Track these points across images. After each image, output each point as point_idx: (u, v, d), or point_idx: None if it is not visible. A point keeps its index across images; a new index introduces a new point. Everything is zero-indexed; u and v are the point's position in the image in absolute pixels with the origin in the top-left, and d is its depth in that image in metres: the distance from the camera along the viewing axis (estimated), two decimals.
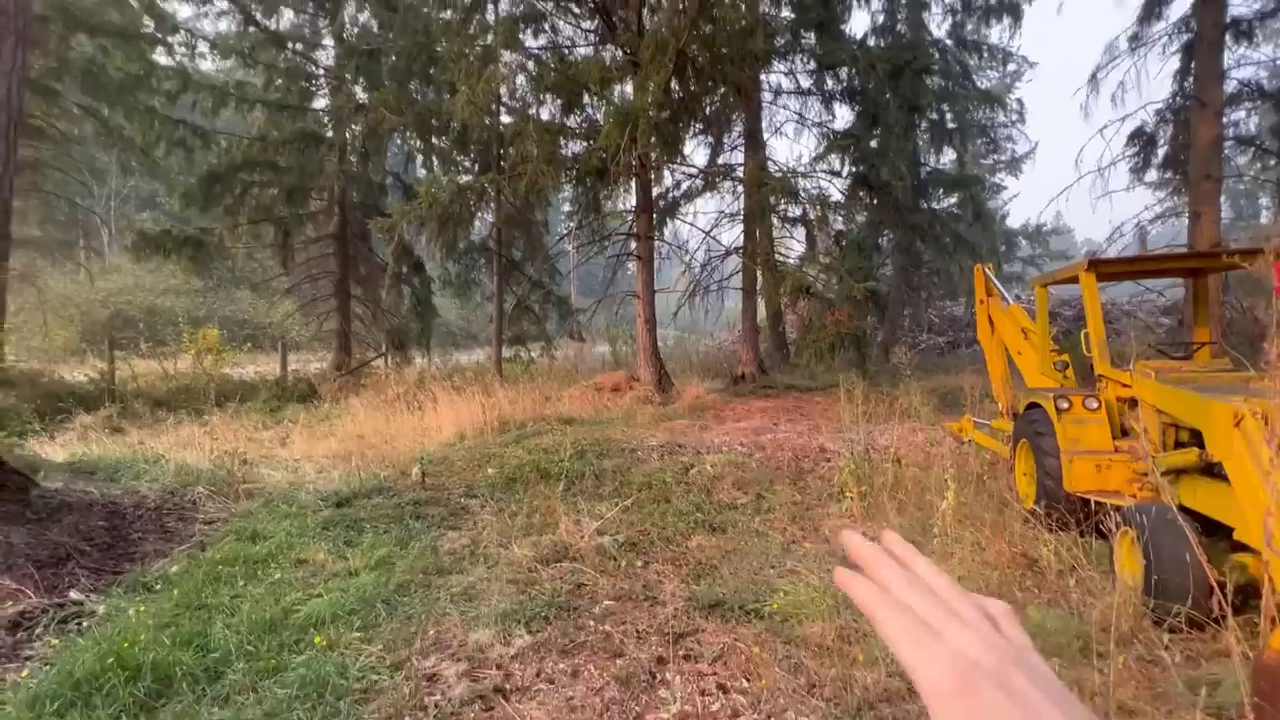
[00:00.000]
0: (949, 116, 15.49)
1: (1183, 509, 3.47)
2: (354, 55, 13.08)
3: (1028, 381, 5.37)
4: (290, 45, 14.10)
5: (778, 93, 12.35)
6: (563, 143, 10.94)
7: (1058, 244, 26.13)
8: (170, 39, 13.05)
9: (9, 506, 3.95)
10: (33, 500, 4.17)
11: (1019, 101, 17.37)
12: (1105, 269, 4.40)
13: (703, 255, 13.53)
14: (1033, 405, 4.56)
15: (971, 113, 16.55)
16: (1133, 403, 3.92)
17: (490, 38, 11.06)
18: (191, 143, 13.02)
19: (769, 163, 11.87)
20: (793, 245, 13.39)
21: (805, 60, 11.62)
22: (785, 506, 4.63)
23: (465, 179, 12.52)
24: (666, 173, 12.59)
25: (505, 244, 13.92)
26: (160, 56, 13.09)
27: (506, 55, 10.87)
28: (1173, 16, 11.04)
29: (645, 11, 10.59)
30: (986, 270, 6.38)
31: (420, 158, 15.19)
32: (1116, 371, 4.08)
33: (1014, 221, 22.95)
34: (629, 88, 10.57)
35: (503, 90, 11.50)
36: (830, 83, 11.47)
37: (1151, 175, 12.26)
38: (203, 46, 13.54)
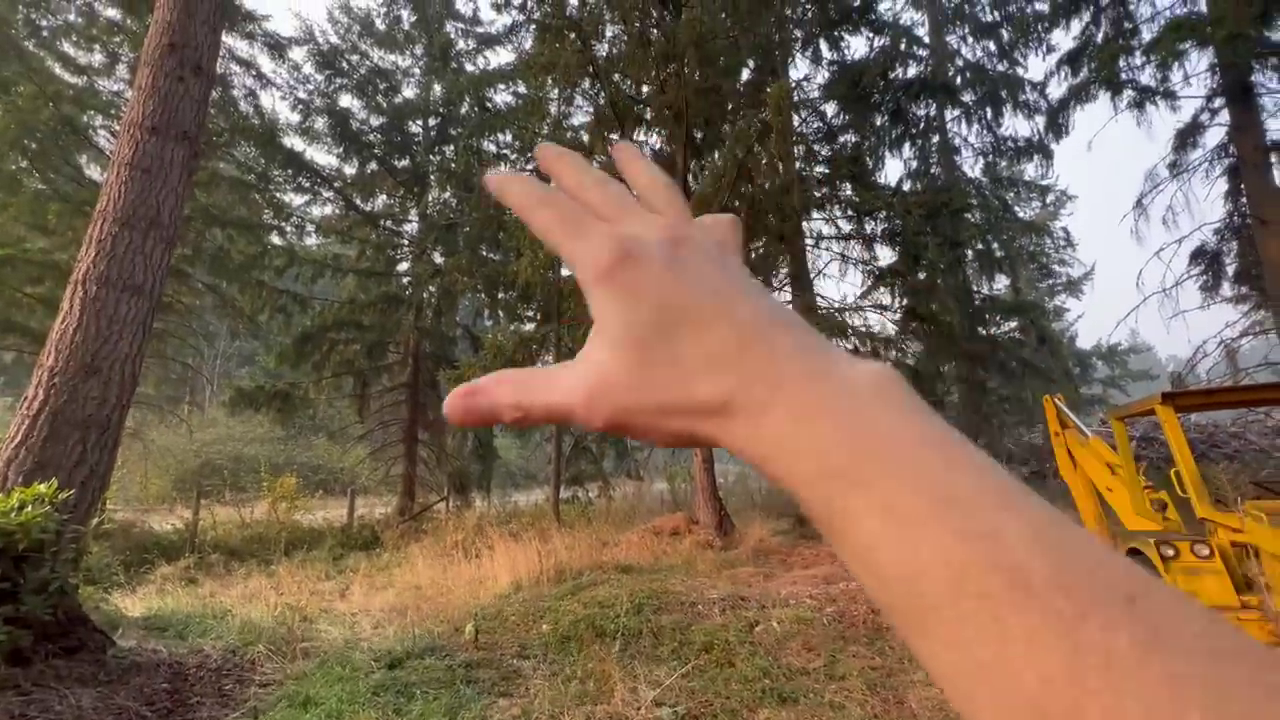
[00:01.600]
0: (996, 246, 15.75)
1: None
2: (434, 228, 14.84)
3: (1124, 523, 4.89)
4: (382, 223, 16.22)
5: (819, 238, 13.02)
6: None
7: (1138, 363, 24.87)
8: (284, 224, 15.30)
9: (85, 668, 4.07)
10: (107, 661, 4.28)
11: (1064, 229, 17.57)
12: (1182, 402, 4.15)
13: None
14: (1134, 550, 4.12)
15: (1017, 241, 16.79)
16: (1247, 548, 3.49)
17: None
18: (291, 308, 14.70)
19: (818, 299, 12.22)
20: None
21: (843, 208, 12.34)
22: (862, 672, 4.18)
23: (528, 329, 13.42)
24: None
25: None
26: (273, 237, 15.29)
27: None
28: (1209, 144, 11.30)
29: (690, 177, 11.72)
30: (1057, 401, 6.11)
31: (487, 311, 16.49)
32: (1223, 514, 3.69)
33: (1085, 343, 22.23)
34: None
35: None
36: (870, 226, 12.05)
37: (1226, 291, 11.85)
38: (308, 227, 15.78)
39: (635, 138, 12.13)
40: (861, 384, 0.24)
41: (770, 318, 0.26)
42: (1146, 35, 10.91)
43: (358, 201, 15.87)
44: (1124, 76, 11.05)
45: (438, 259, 15.71)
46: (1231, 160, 10.84)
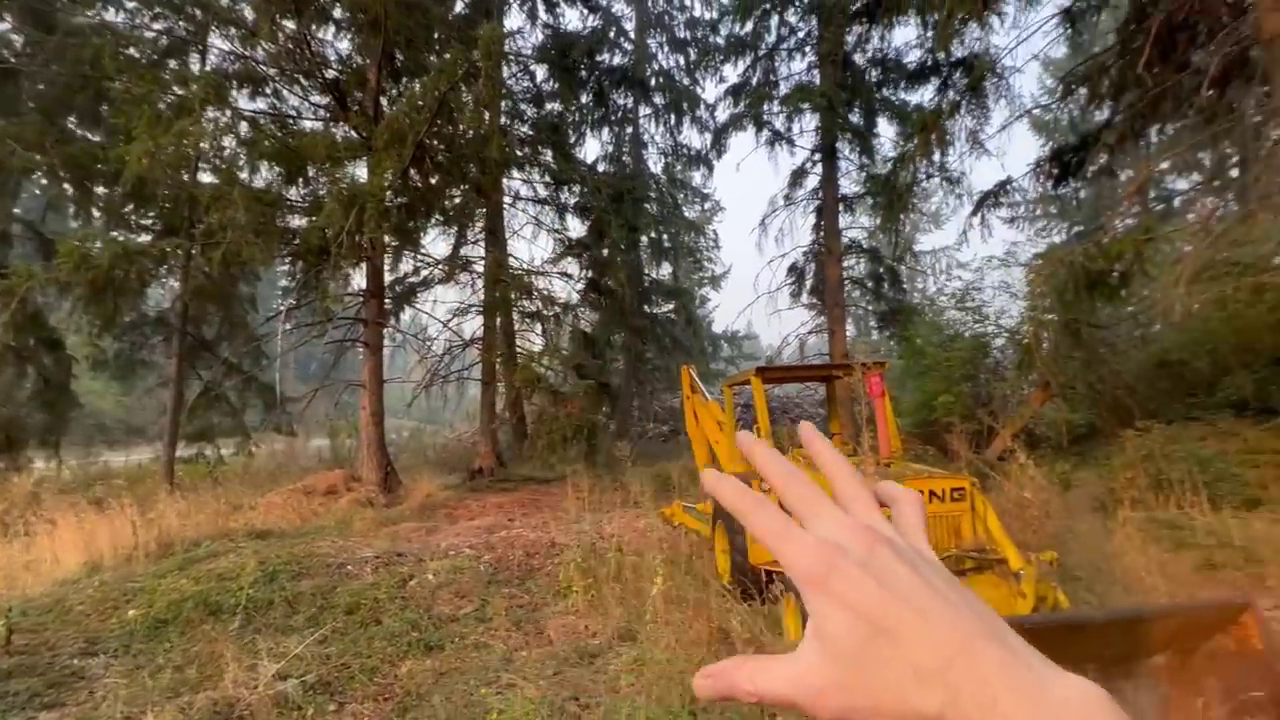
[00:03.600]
0: (665, 237, 18.19)
1: None
2: None
3: (724, 468, 6.23)
4: None
5: (517, 197, 13.11)
6: (280, 214, 9.87)
7: (749, 347, 31.76)
8: None
9: None
10: None
11: (715, 232, 21.29)
12: (767, 375, 5.48)
13: (442, 345, 13.13)
14: None
15: (682, 236, 19.75)
16: None
17: (192, 88, 9.67)
18: None
19: (510, 259, 12.32)
20: (535, 340, 13.88)
21: (542, 173, 12.64)
22: (510, 611, 4.46)
23: (140, 240, 10.34)
24: (406, 259, 12.16)
25: (195, 320, 11.66)
26: None
27: (211, 111, 9.60)
28: (809, 186, 14.90)
29: (384, 99, 10.47)
30: (691, 371, 7.40)
31: (74, 207, 12.15)
32: None
33: (717, 328, 27.39)
34: (362, 169, 10.14)
35: (204, 146, 10.08)
36: (565, 195, 12.61)
37: (804, 299, 15.94)
38: None
39: (317, 35, 10.26)
40: (1074, 706, 0.25)
41: (972, 627, 0.28)
42: (784, 89, 13.79)
43: None
44: (766, 118, 13.79)
45: None
46: (819, 202, 14.56)
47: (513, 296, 11.22)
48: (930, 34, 10.72)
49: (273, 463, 12.66)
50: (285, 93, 11.16)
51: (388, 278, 11.69)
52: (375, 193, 8.02)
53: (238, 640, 3.77)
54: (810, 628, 0.31)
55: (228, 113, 9.94)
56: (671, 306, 18.15)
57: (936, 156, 10.62)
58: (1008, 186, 10.21)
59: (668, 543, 5.72)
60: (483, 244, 12.73)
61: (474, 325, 13.02)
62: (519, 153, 12.14)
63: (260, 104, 11.11)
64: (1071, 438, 8.51)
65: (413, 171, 9.90)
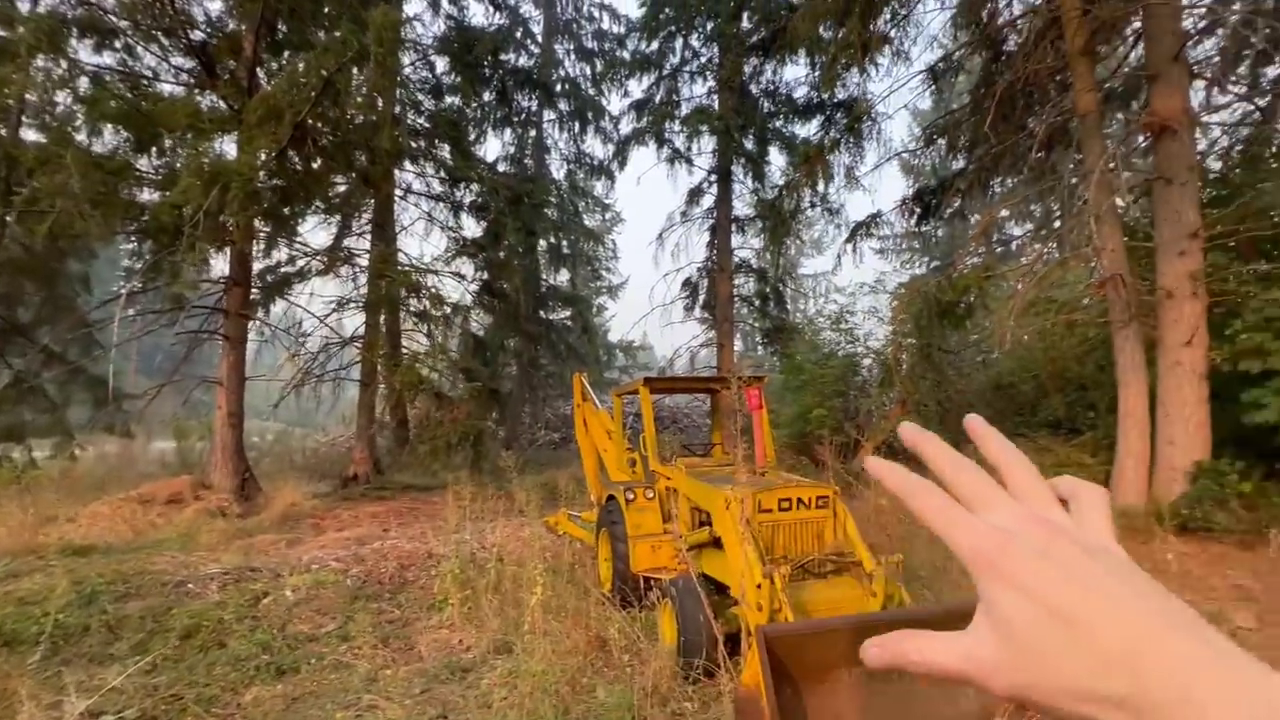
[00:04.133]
0: (565, 244, 18.10)
1: (706, 577, 4.44)
2: None
3: (611, 475, 6.27)
4: None
5: (409, 191, 12.50)
6: (126, 186, 8.72)
7: (644, 358, 32.29)
8: None
9: None
10: None
11: (614, 242, 21.54)
12: (655, 386, 5.61)
13: (318, 341, 12.16)
14: (610, 497, 5.32)
15: (581, 244, 19.76)
16: (674, 491, 4.94)
17: (19, 31, 8.32)
18: None
19: (399, 254, 11.68)
20: (422, 341, 13.22)
21: (438, 169, 12.15)
22: (377, 626, 4.19)
23: None
24: (280, 247, 11.15)
25: (6, 299, 10.00)
26: None
27: (41, 60, 8.32)
28: (705, 204, 15.48)
29: (261, 71, 9.61)
30: (583, 379, 7.40)
31: None
32: (662, 467, 5.11)
33: (613, 337, 27.61)
34: (231, 145, 9.20)
35: (31, 98, 8.76)
36: (461, 193, 12.20)
37: (697, 313, 16.50)
38: None
39: None
40: None
41: (1164, 620, 0.27)
42: (685, 109, 14.26)
43: None
44: (667, 135, 14.18)
45: None
46: (714, 221, 15.17)
47: (400, 294, 10.64)
48: (817, 74, 11.57)
49: (103, 467, 11.08)
50: (140, 50, 9.91)
51: (257, 266, 10.69)
52: (244, 171, 7.31)
53: (38, 674, 3.24)
54: (980, 607, 0.31)
55: (63, 64, 8.68)
56: (568, 314, 18.07)
57: (820, 186, 11.46)
58: (878, 219, 11.21)
59: (551, 552, 5.66)
60: (368, 236, 12.00)
61: (355, 322, 12.18)
62: (413, 144, 11.61)
63: (107, 59, 9.79)
64: None
65: (292, 153, 9.15)
